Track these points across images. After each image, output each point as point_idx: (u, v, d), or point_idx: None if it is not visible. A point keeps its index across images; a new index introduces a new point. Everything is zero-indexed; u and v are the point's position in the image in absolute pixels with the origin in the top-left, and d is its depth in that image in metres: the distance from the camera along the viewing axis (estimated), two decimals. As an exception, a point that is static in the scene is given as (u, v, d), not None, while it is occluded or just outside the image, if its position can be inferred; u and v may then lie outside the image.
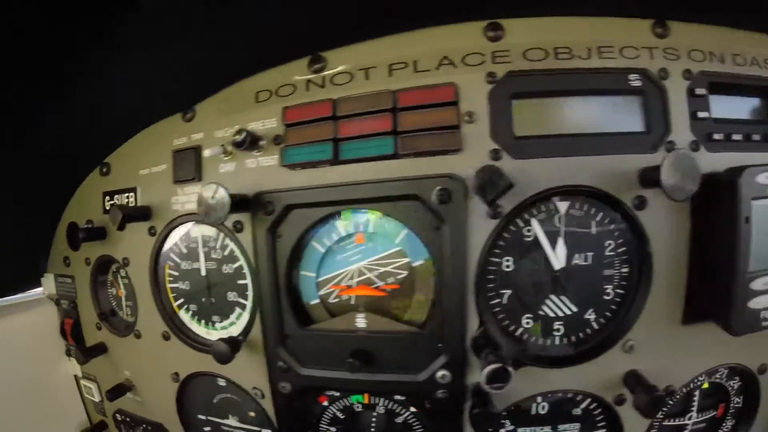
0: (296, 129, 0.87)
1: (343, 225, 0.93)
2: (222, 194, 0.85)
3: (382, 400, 0.99)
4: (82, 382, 1.33)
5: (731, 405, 1.08)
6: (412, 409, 0.98)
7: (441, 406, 0.91)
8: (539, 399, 0.96)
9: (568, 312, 0.89)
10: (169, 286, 1.10)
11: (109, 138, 1.10)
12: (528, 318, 0.90)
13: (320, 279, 0.97)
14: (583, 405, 0.97)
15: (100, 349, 1.23)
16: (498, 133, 0.81)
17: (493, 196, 0.72)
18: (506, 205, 0.81)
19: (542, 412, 0.98)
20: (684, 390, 1.00)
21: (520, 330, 0.90)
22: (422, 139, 0.80)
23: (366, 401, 1.00)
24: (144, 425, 1.26)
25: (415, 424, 0.99)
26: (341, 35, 0.85)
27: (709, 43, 0.88)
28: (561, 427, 0.99)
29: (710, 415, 1.06)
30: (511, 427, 0.98)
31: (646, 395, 0.85)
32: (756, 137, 0.90)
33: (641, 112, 0.87)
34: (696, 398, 1.04)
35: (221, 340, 0.96)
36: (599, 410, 0.98)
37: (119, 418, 1.31)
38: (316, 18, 0.82)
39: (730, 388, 1.05)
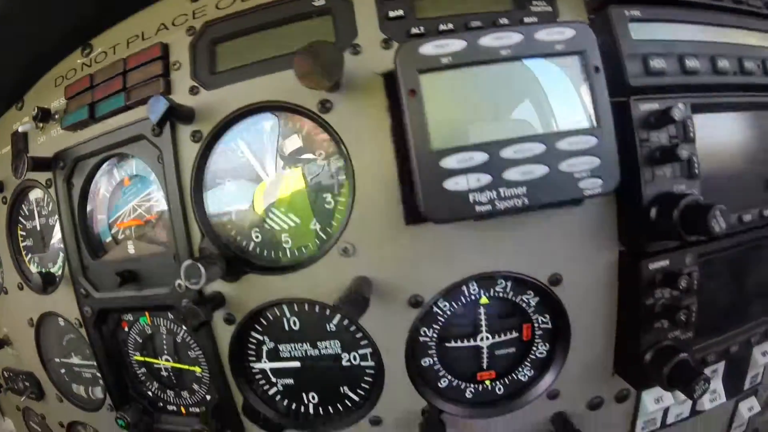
0: (72, 101, 1.13)
1: (117, 171, 1.16)
2: (24, 158, 1.11)
3: (162, 320, 1.15)
4: (-20, 346, 1.58)
5: (537, 325, 1.01)
6: (184, 327, 1.13)
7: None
8: (287, 312, 1.04)
9: (292, 223, 1.00)
10: (21, 244, 1.36)
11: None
12: (256, 232, 1.02)
13: (111, 220, 1.18)
14: (335, 320, 1.02)
15: None
16: (198, 74, 1.00)
17: (154, 122, 0.90)
18: (205, 130, 0.99)
19: (295, 327, 1.05)
20: (452, 305, 0.98)
21: (252, 244, 1.03)
22: (141, 90, 1.02)
23: (149, 322, 1.17)
24: (21, 376, 1.48)
25: (190, 341, 1.14)
26: (95, 26, 1.13)
27: None
28: (321, 344, 1.04)
29: (512, 337, 1.02)
30: (272, 345, 1.07)
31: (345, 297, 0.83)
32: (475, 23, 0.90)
33: (333, 26, 0.95)
34: (481, 316, 1.00)
35: (38, 273, 1.18)
36: (355, 327, 1.01)
37: (5, 375, 1.54)
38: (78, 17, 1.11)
39: (524, 304, 0.99)
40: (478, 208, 0.79)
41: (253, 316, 1.03)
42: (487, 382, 1.05)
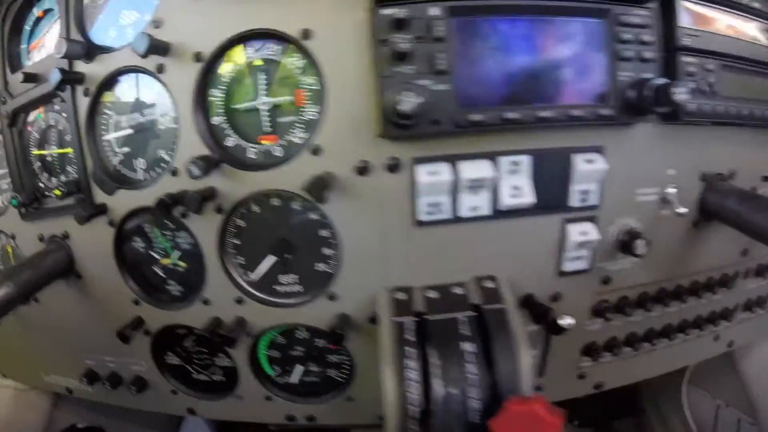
0: None
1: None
2: None
3: (50, 114, 1.50)
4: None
5: (306, 88, 1.13)
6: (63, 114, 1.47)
7: None
8: None
9: None
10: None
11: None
12: None
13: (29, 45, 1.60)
14: None
15: None
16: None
17: None
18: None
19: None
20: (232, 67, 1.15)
21: None
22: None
23: (44, 117, 1.52)
24: None
25: (66, 127, 1.47)
26: None
27: None
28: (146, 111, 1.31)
29: (287, 101, 1.15)
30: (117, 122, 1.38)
31: None
32: None
33: None
34: (257, 79, 1.14)
35: None
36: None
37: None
38: None
39: (292, 66, 1.12)
40: None
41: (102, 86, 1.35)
42: (266, 143, 1.19)
